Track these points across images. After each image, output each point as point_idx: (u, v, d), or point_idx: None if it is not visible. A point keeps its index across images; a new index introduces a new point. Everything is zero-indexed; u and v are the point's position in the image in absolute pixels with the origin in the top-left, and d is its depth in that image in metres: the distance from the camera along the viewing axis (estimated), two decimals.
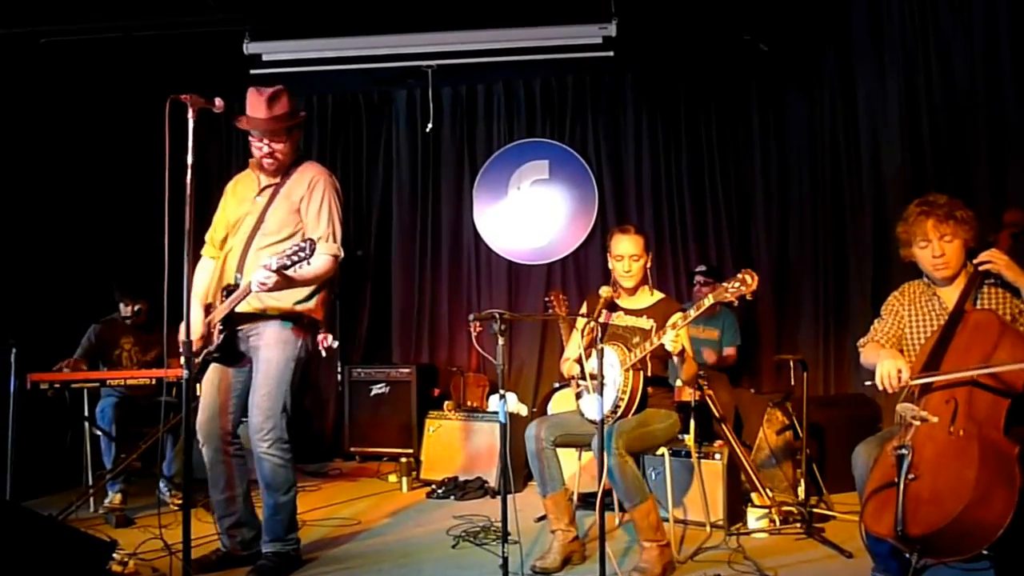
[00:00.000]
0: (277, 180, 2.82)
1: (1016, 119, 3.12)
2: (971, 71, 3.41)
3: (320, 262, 2.72)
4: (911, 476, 1.92)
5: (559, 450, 2.97)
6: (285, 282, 2.59)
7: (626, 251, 3.01)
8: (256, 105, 2.75)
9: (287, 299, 2.78)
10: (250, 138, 2.82)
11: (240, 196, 2.92)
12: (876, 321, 2.52)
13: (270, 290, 2.58)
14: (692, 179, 5.41)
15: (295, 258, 2.46)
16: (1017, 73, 3.11)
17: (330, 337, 2.93)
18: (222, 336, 2.73)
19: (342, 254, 2.82)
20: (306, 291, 2.81)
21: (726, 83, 5.36)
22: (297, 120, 2.84)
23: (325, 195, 2.81)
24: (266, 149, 2.77)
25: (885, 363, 2.18)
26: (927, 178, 3.72)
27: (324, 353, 2.91)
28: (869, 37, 4.32)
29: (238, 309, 2.74)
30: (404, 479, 4.37)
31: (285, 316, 2.79)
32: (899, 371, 2.14)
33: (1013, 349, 2.05)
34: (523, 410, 4.74)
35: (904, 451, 1.94)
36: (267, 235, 2.78)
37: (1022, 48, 3.09)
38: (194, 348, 2.61)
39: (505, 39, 4.61)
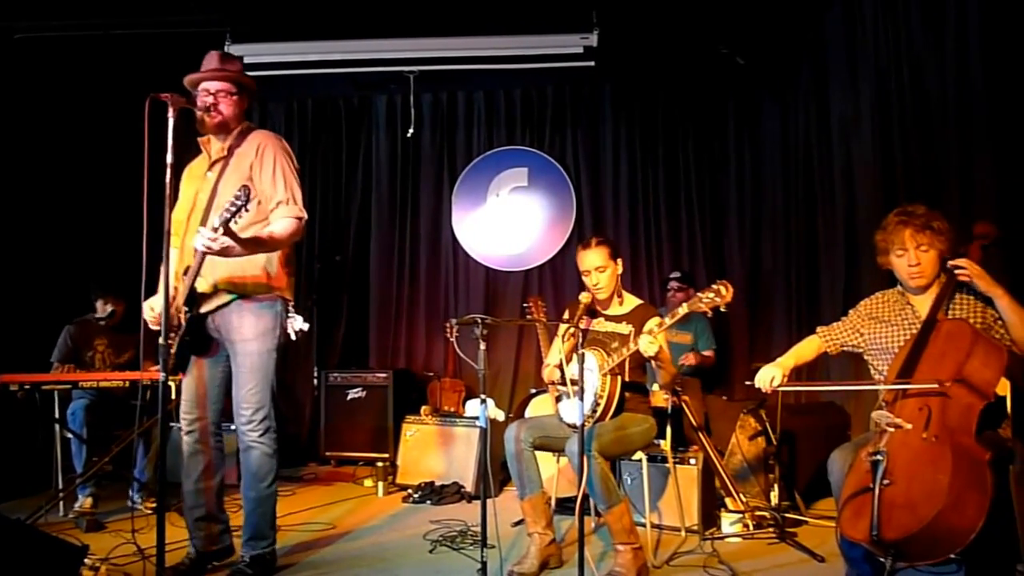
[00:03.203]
0: (225, 154, 2.77)
1: (985, 134, 3.21)
2: (943, 87, 3.50)
3: (284, 225, 2.68)
4: (886, 482, 1.96)
5: (537, 453, 2.98)
6: (251, 246, 2.52)
7: (591, 264, 3.04)
8: (209, 60, 2.79)
9: (244, 278, 2.71)
10: (198, 93, 2.77)
11: (193, 176, 2.87)
12: (841, 319, 2.61)
13: (223, 253, 2.48)
14: (668, 188, 5.52)
15: (233, 208, 2.41)
16: (988, 89, 3.20)
17: (299, 319, 2.87)
18: (189, 317, 2.67)
19: (305, 215, 2.76)
20: (264, 273, 2.74)
21: (703, 95, 5.47)
22: (246, 81, 2.81)
23: (276, 159, 2.74)
24: (209, 100, 2.72)
25: (766, 368, 2.49)
26: (898, 190, 3.81)
27: (294, 336, 2.86)
28: (843, 52, 4.42)
29: (200, 289, 2.69)
30: (380, 484, 4.36)
31: (244, 294, 2.72)
32: (772, 378, 2.45)
33: (986, 357, 2.12)
34: (500, 415, 4.76)
35: (879, 457, 1.98)
36: (222, 209, 2.68)
37: (992, 65, 3.17)
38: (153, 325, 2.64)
39: (487, 46, 4.64)
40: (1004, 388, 2.18)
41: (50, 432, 3.83)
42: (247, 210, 2.45)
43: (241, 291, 2.74)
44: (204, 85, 2.76)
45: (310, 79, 5.04)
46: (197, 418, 2.81)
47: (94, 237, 4.91)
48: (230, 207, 2.42)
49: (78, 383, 3.59)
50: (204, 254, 2.51)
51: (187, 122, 2.68)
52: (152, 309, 2.77)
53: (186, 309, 2.67)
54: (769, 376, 2.45)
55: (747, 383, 2.50)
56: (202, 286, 2.71)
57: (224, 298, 2.73)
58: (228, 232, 2.44)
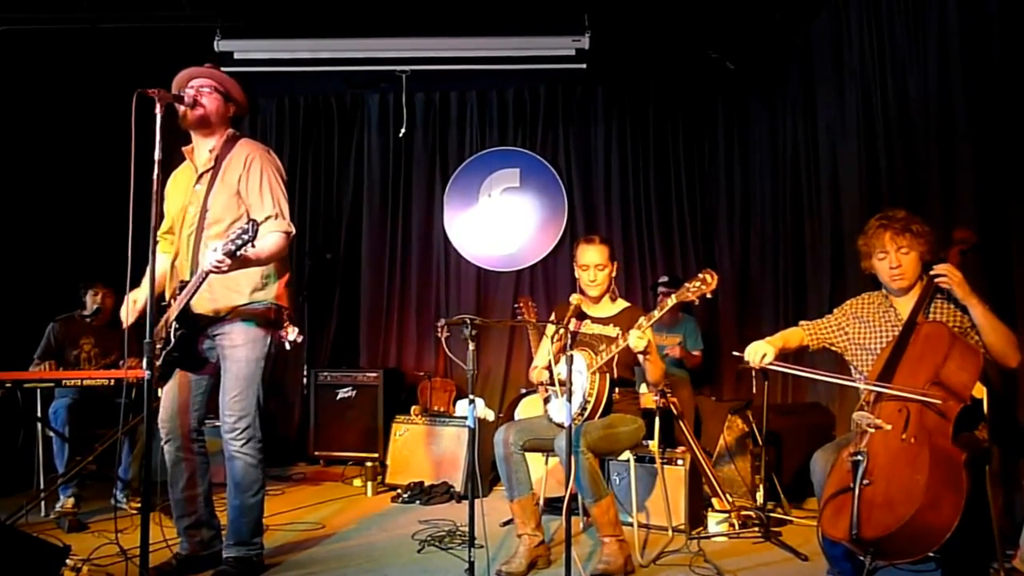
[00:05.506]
0: (212, 165, 2.75)
1: (965, 140, 3.26)
2: (924, 93, 3.56)
3: (272, 240, 2.66)
4: (866, 482, 2.00)
5: (527, 454, 3.00)
6: (239, 264, 2.51)
7: (591, 261, 3.06)
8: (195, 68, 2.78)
9: (242, 294, 2.71)
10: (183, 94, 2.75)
11: (179, 187, 2.84)
12: (826, 316, 2.64)
13: (224, 272, 2.48)
14: (659, 190, 5.56)
15: (239, 242, 2.39)
16: (967, 96, 3.25)
17: (295, 331, 2.87)
18: (179, 335, 2.65)
19: (293, 230, 2.75)
20: (260, 283, 2.75)
21: (693, 98, 5.52)
22: (231, 84, 2.80)
23: (263, 171, 2.71)
24: (191, 92, 2.69)
25: (758, 344, 2.47)
26: (881, 194, 3.86)
27: (288, 346, 2.86)
28: (830, 59, 4.47)
29: (197, 311, 2.68)
30: (369, 483, 4.35)
31: (245, 315, 2.73)
32: (763, 356, 2.43)
33: (962, 360, 2.15)
34: (490, 415, 4.77)
35: (859, 457, 2.01)
36: (214, 224, 2.69)
37: (972, 73, 3.23)
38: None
39: (480, 47, 4.66)
40: (980, 391, 2.22)
41: (32, 431, 3.78)
42: (253, 246, 2.43)
43: (242, 316, 2.73)
44: (189, 83, 2.75)
45: (301, 77, 5.04)
46: (177, 426, 2.79)
47: (79, 233, 4.87)
48: (236, 239, 2.39)
49: (61, 381, 3.53)
50: (205, 275, 2.51)
51: (175, 119, 2.68)
52: (135, 302, 2.75)
53: (176, 325, 2.64)
54: (760, 352, 2.43)
55: (735, 353, 2.47)
56: (201, 307, 2.68)
57: (223, 324, 2.72)
58: (231, 258, 2.44)
